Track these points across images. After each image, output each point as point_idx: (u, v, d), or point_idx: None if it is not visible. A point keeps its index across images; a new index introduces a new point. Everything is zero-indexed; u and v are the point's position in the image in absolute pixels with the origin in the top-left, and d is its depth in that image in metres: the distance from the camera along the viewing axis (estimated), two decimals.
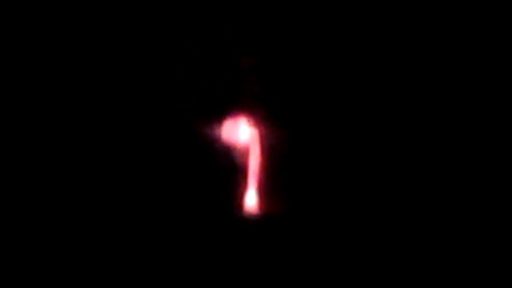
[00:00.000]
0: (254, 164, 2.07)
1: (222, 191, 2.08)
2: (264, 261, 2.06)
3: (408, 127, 2.09)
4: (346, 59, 2.08)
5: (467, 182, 2.08)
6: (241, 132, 2.07)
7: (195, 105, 2.08)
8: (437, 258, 2.07)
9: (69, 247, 2.07)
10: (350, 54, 2.08)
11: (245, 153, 2.07)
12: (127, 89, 2.08)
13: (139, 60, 2.08)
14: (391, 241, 2.07)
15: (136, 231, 2.08)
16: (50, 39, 2.10)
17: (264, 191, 2.07)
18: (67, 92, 2.10)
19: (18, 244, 2.08)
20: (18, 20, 2.09)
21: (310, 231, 2.07)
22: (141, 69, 2.09)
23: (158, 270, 2.06)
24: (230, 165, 2.07)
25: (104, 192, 2.07)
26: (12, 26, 2.09)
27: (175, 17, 2.08)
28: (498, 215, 2.07)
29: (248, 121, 2.07)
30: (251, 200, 2.07)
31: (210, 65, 2.08)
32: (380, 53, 2.08)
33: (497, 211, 2.07)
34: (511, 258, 2.04)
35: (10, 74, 2.10)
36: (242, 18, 2.07)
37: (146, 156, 2.08)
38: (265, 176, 2.07)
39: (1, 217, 2.08)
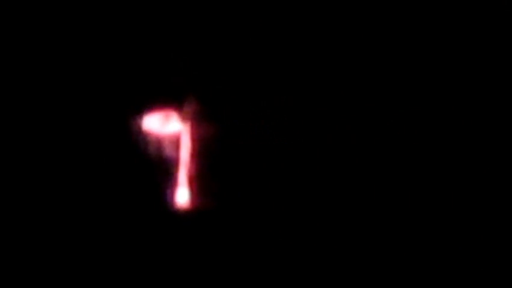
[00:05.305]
0: (184, 158, 2.06)
1: (151, 187, 2.06)
2: (197, 258, 2.06)
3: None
4: (276, 52, 2.10)
5: (467, 182, 2.09)
6: (171, 126, 2.07)
7: (124, 98, 2.06)
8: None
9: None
10: (280, 49, 2.10)
11: (175, 147, 2.06)
12: (56, 84, 2.06)
13: (71, 54, 2.06)
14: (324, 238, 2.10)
15: (64, 229, 2.05)
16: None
17: (195, 187, 2.06)
18: None
19: None
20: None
21: (242, 228, 2.07)
22: (70, 62, 2.06)
23: (89, 270, 2.05)
24: (160, 160, 2.06)
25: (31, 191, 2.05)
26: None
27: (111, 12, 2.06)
28: (498, 215, 2.08)
29: (179, 114, 2.07)
30: (182, 196, 2.06)
31: (141, 57, 2.07)
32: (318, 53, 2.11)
33: (497, 211, 2.08)
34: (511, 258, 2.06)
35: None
36: (177, 8, 2.07)
37: (74, 151, 2.05)
38: (196, 171, 2.06)
39: None
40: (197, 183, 2.08)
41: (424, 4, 2.12)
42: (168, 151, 2.07)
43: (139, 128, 2.07)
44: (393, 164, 2.11)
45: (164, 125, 2.08)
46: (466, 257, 2.06)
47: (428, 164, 2.11)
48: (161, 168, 2.07)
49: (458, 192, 2.09)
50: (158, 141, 2.07)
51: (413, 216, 2.09)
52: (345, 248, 2.09)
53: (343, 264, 2.08)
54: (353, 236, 2.09)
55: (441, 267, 2.07)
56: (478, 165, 2.09)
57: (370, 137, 2.12)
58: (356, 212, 2.10)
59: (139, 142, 2.07)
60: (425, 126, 2.12)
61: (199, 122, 2.09)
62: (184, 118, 2.08)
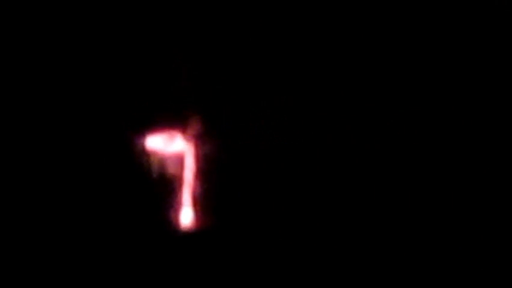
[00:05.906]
0: (188, 178, 2.07)
1: (155, 206, 2.08)
2: (200, 277, 2.06)
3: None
4: (281, 68, 2.10)
5: (467, 182, 2.08)
6: (175, 146, 2.08)
7: (129, 117, 2.07)
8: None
9: None
10: (287, 64, 2.10)
11: (179, 167, 2.07)
12: (59, 95, 2.07)
13: (73, 66, 2.07)
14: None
15: (67, 247, 2.06)
16: None
17: (199, 206, 2.08)
18: None
19: None
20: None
21: (245, 247, 2.07)
22: (75, 75, 2.07)
23: None
24: (163, 179, 2.07)
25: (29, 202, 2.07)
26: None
27: (113, 22, 2.07)
28: (498, 215, 2.06)
29: (182, 134, 2.08)
30: (186, 216, 2.08)
31: (145, 72, 2.08)
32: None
33: (497, 211, 2.07)
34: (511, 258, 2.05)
35: None
36: (181, 27, 2.09)
37: (78, 170, 2.07)
38: (199, 190, 2.08)
39: None
40: (201, 202, 2.09)
41: (424, 4, 2.10)
42: (172, 171, 2.08)
43: (143, 147, 2.07)
44: (393, 164, 2.10)
45: (168, 144, 2.08)
46: (466, 257, 2.06)
47: (428, 164, 2.09)
48: (165, 187, 2.08)
49: (458, 192, 2.08)
50: (162, 161, 2.08)
51: (413, 216, 2.08)
52: (346, 265, 2.09)
53: (344, 280, 2.08)
54: (353, 253, 2.10)
55: (441, 267, 2.06)
56: (478, 165, 2.08)
57: (370, 150, 2.11)
58: (357, 228, 2.10)
59: (143, 162, 2.07)
60: (425, 126, 2.10)
61: (203, 141, 2.09)
62: (188, 138, 2.09)
